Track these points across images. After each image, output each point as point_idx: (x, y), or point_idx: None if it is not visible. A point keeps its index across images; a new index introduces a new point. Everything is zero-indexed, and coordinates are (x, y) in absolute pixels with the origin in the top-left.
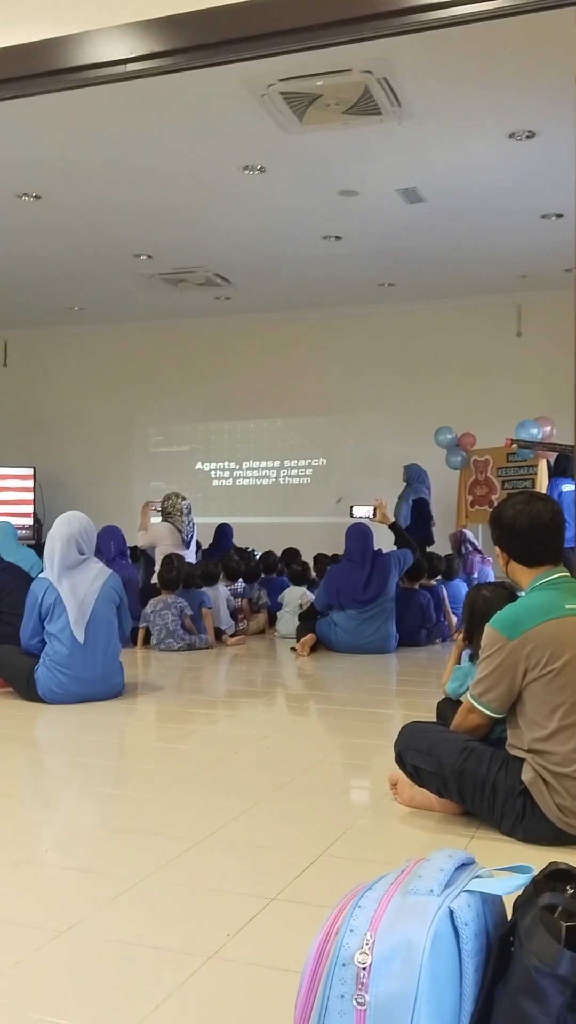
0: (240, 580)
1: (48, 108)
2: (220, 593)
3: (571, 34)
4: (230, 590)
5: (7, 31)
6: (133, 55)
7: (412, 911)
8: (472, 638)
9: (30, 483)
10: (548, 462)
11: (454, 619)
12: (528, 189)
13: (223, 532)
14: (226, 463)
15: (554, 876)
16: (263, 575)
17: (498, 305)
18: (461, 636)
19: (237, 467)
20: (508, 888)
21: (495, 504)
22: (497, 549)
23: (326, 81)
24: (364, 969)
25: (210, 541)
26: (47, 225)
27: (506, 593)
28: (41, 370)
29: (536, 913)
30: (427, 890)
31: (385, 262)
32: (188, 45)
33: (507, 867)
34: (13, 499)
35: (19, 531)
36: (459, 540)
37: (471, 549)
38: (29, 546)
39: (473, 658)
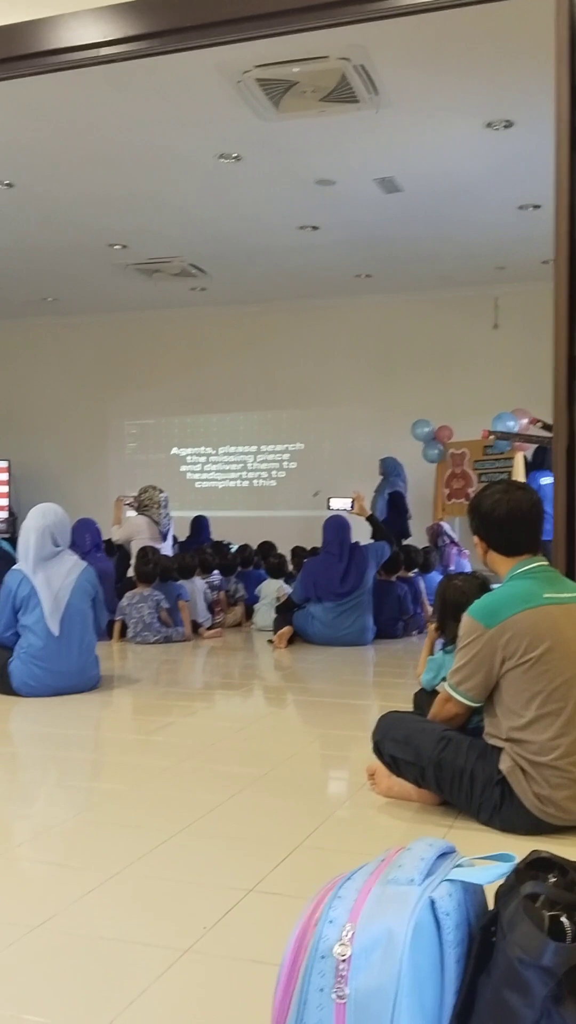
0: (215, 573)
1: (20, 94)
2: (197, 586)
3: (549, 22)
4: (206, 583)
5: None
6: (107, 39)
7: (392, 901)
8: (444, 628)
9: (4, 476)
10: (525, 456)
11: (431, 611)
12: (505, 179)
13: (200, 524)
14: (202, 456)
15: (536, 865)
16: (240, 568)
17: (475, 297)
18: (434, 627)
19: (213, 460)
20: (490, 877)
21: (472, 496)
22: (476, 538)
23: (302, 68)
24: (344, 961)
25: (187, 535)
26: (20, 214)
27: (478, 583)
28: (14, 362)
29: (519, 903)
30: (407, 880)
31: (362, 253)
32: (163, 29)
33: (488, 856)
34: None
35: None
36: (436, 533)
37: (448, 542)
38: (4, 538)
39: (446, 648)
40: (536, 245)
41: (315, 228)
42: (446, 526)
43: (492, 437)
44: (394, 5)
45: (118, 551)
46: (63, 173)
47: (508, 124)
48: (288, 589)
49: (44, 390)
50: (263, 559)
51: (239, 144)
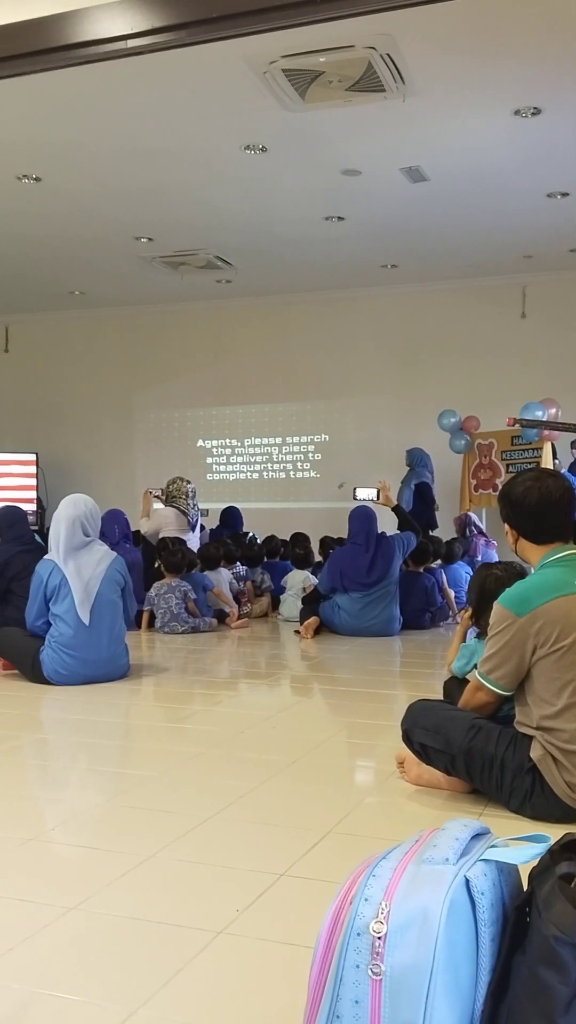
0: (239, 564)
1: (47, 87)
2: (223, 576)
3: None
4: (232, 573)
5: (5, 8)
6: (134, 31)
7: (428, 880)
8: (480, 617)
9: (33, 469)
10: (553, 445)
11: (451, 594)
12: (534, 167)
13: (231, 515)
14: (227, 448)
15: (570, 846)
16: (266, 559)
17: (502, 286)
18: (467, 614)
19: (239, 452)
20: (524, 857)
21: (500, 487)
22: (506, 527)
23: (329, 58)
24: (379, 938)
25: (217, 525)
26: (47, 207)
27: (516, 572)
28: (42, 355)
29: (554, 882)
30: (442, 859)
31: (388, 243)
32: (189, 20)
33: (523, 836)
34: (16, 485)
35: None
36: (464, 523)
37: (475, 532)
38: (33, 531)
39: (480, 637)
40: (565, 233)
41: (341, 219)
42: (473, 516)
43: (518, 426)
44: None
45: (143, 542)
46: (89, 166)
47: (536, 111)
48: (314, 580)
49: (71, 383)
50: (291, 550)
51: (265, 135)
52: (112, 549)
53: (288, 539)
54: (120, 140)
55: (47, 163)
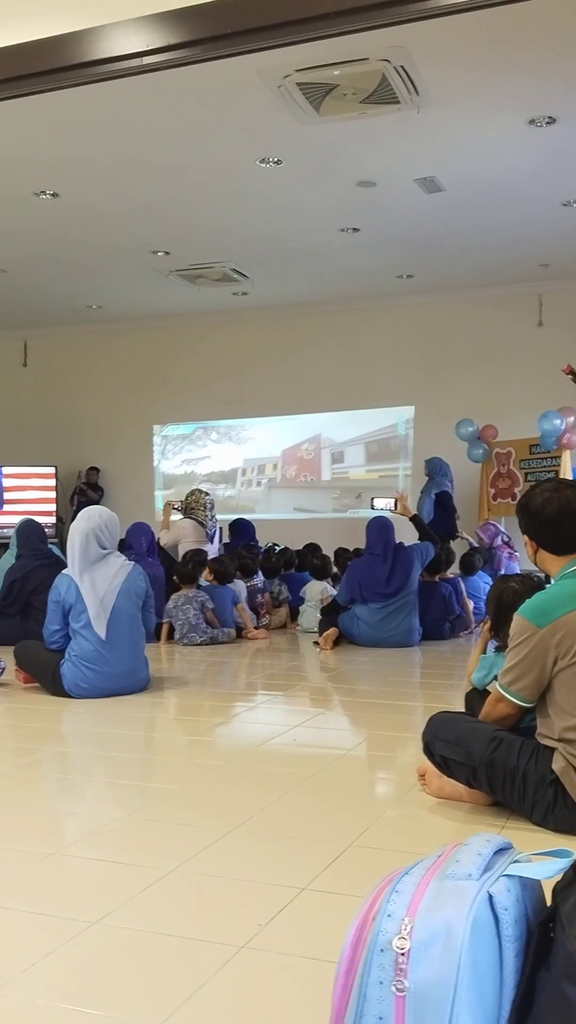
0: (258, 575)
1: (65, 104)
2: (239, 588)
3: None
4: (248, 586)
5: (22, 27)
6: (150, 48)
7: (451, 896)
8: (499, 629)
9: (52, 482)
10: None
11: (470, 605)
12: (549, 176)
13: (241, 527)
14: (244, 459)
15: None
16: (283, 570)
17: (519, 295)
18: (487, 626)
19: (256, 463)
20: (548, 872)
21: (518, 496)
22: (525, 538)
23: (343, 71)
24: (403, 954)
25: (227, 538)
26: (65, 223)
27: (534, 584)
28: (60, 369)
29: None
30: (465, 875)
31: (403, 253)
32: (204, 36)
33: (546, 851)
34: (36, 498)
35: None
36: (493, 534)
37: (503, 542)
38: (52, 544)
39: (499, 649)
40: None
41: (356, 230)
42: (501, 527)
43: (572, 377)
44: (434, 5)
45: (161, 554)
46: (106, 182)
47: (551, 120)
48: (332, 591)
49: (89, 396)
50: (309, 560)
51: (280, 148)
52: (137, 562)
53: (302, 549)
54: (136, 155)
55: (64, 179)
